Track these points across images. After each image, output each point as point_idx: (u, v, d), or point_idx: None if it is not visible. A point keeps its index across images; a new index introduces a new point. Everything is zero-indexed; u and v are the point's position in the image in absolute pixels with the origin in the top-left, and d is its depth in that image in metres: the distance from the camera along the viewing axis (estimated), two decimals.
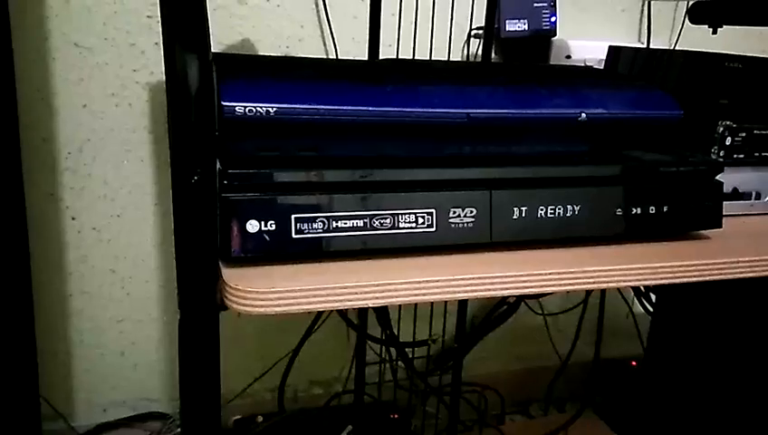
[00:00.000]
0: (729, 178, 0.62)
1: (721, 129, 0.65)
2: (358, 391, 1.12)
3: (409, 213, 0.48)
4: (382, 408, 1.16)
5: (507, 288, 0.48)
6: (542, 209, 0.51)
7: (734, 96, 0.66)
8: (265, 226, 0.44)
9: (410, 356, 1.06)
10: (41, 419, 0.96)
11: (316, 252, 0.46)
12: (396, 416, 1.14)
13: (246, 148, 0.47)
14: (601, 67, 0.84)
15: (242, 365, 1.13)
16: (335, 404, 1.19)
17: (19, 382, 0.91)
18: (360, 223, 0.47)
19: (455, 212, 0.49)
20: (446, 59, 1.04)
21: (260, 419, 1.13)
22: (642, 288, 1.09)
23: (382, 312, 0.97)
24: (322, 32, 1.03)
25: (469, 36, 1.07)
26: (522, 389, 1.33)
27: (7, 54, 0.83)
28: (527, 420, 1.31)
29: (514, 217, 0.51)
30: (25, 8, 0.89)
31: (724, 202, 0.57)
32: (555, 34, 1.04)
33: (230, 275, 0.43)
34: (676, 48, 1.17)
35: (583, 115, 0.53)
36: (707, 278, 0.52)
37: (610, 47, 0.80)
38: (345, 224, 0.46)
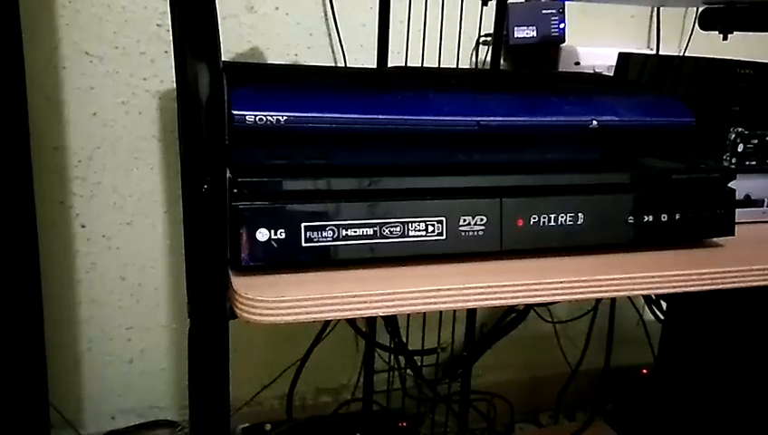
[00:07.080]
0: (741, 186, 0.62)
1: (733, 135, 0.65)
2: (366, 399, 1.12)
3: (419, 221, 0.48)
4: (391, 416, 1.15)
5: (517, 297, 0.47)
6: (552, 218, 0.51)
7: (745, 103, 0.65)
8: (275, 234, 0.44)
9: (419, 364, 1.06)
10: (50, 426, 0.97)
11: (326, 260, 0.46)
12: (404, 424, 1.14)
13: (256, 156, 0.47)
14: (611, 74, 0.84)
15: (250, 373, 1.13)
16: (343, 412, 1.19)
17: (28, 390, 0.91)
18: (370, 231, 0.46)
19: (465, 220, 0.49)
20: (454, 66, 1.04)
21: (268, 427, 1.12)
22: (653, 296, 1.08)
23: (391, 320, 0.97)
24: (331, 40, 1.04)
25: (478, 43, 1.07)
26: (531, 397, 1.33)
27: (18, 63, 0.84)
28: (537, 429, 1.30)
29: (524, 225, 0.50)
30: (36, 17, 0.90)
31: (737, 209, 0.57)
32: (564, 41, 1.03)
33: (240, 283, 0.43)
34: (686, 54, 1.17)
35: (594, 123, 0.53)
36: (720, 286, 0.52)
37: (620, 54, 0.80)
38: (355, 232, 0.46)
